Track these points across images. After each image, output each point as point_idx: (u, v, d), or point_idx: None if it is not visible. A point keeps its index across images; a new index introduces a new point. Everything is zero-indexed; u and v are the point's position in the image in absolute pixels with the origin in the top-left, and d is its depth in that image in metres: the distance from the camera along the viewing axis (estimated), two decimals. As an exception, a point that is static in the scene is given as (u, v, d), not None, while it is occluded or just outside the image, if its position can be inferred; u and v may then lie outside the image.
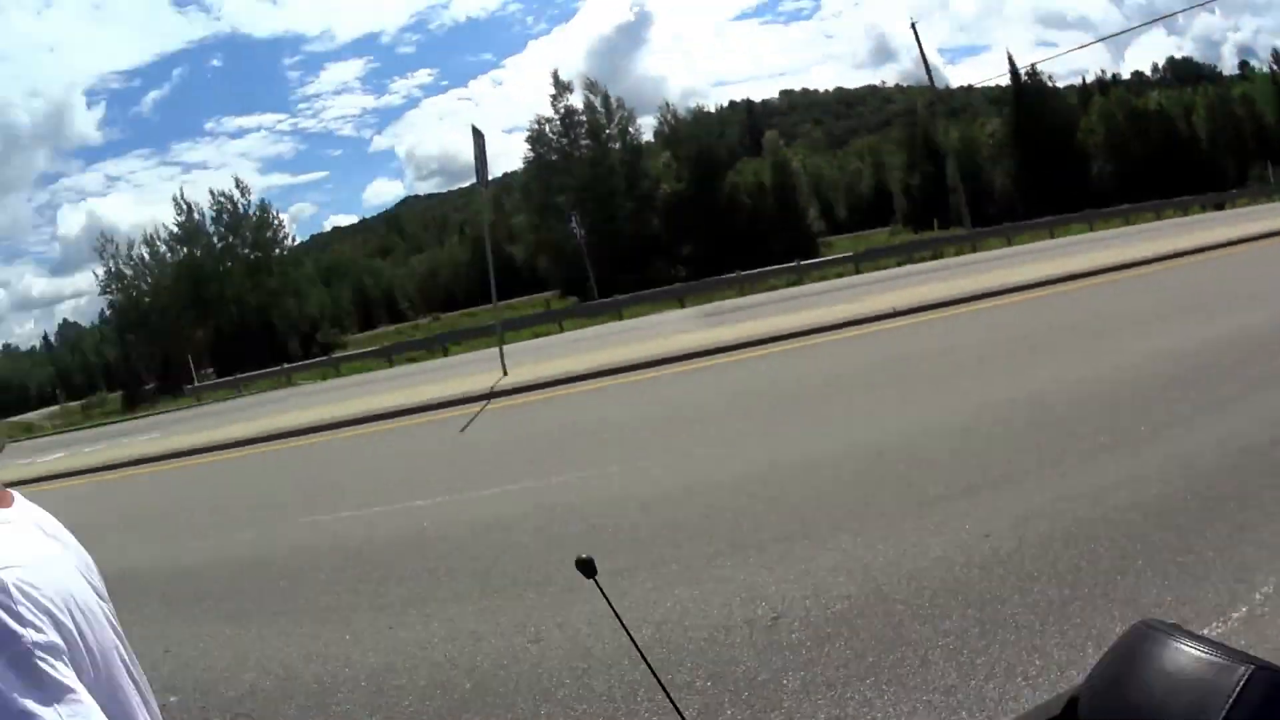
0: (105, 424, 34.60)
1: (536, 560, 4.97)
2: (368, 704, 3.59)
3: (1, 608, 0.91)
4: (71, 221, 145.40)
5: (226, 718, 3.80)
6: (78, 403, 68.31)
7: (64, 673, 0.92)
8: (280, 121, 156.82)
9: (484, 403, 12.40)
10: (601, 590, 1.19)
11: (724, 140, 60.90)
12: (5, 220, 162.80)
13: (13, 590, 0.93)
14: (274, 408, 18.56)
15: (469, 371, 16.55)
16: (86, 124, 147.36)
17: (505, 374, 14.28)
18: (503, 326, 20.56)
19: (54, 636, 0.94)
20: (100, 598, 1.12)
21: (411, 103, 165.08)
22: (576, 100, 50.47)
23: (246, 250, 51.73)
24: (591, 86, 51.18)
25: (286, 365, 36.03)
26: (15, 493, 1.18)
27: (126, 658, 1.11)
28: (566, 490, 6.60)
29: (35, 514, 1.15)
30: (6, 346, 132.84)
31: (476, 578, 4.92)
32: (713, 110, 66.47)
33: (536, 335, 27.38)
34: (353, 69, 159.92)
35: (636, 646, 1.17)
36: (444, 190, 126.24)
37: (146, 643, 4.65)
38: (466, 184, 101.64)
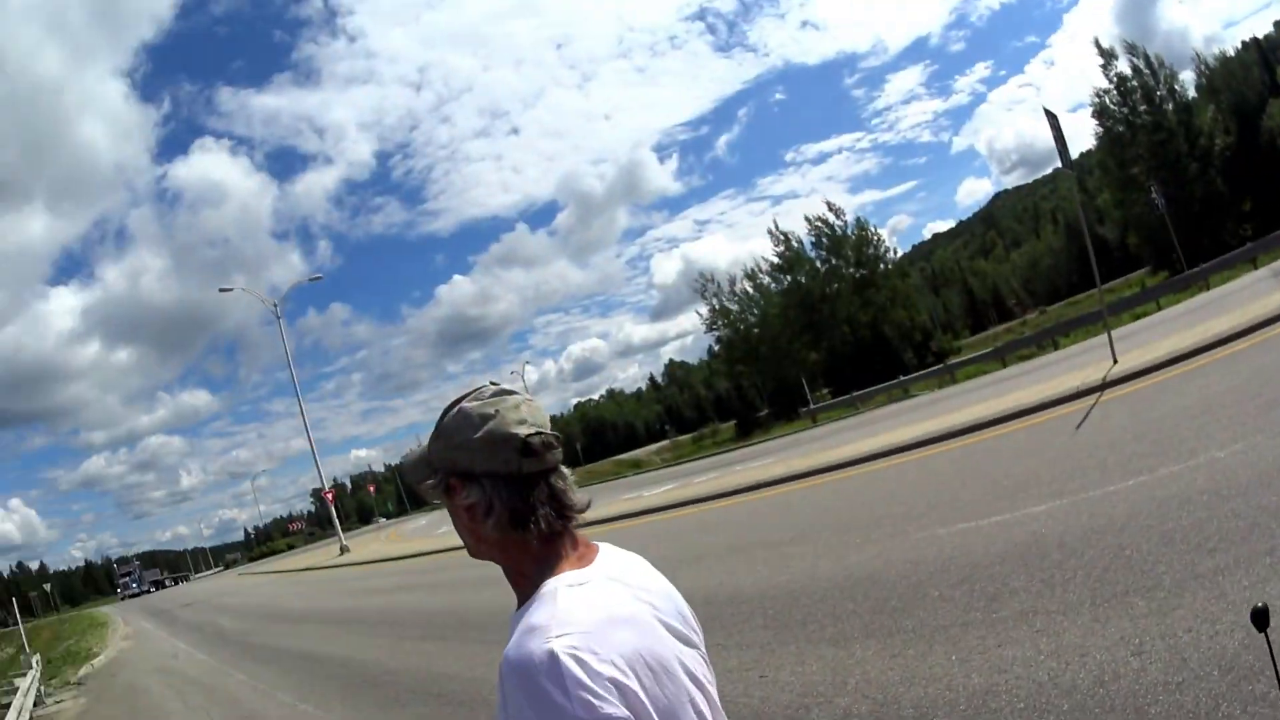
0: (716, 453, 37.17)
1: (1145, 563, 4.51)
2: None
3: (550, 680, 0.97)
4: (666, 268, 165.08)
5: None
6: (687, 436, 77.93)
7: None
8: (858, 140, 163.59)
9: (1097, 395, 11.55)
10: (1270, 650, 1.12)
11: (1250, 83, 51.25)
12: (597, 278, 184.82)
13: (564, 661, 0.98)
14: (888, 423, 18.81)
15: (1080, 364, 15.40)
16: (662, 177, 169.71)
17: (1115, 362, 13.24)
18: (1084, 320, 18.80)
19: (610, 708, 0.97)
20: (686, 644, 1.16)
21: (978, 98, 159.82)
22: (1124, 66, 45.39)
23: (851, 269, 52.64)
24: (1132, 49, 45.48)
25: (902, 378, 36.66)
26: (603, 545, 1.27)
27: (705, 708, 1.12)
28: (1176, 482, 5.89)
29: (618, 566, 1.21)
30: (612, 391, 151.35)
31: (1087, 587, 4.62)
32: (1231, 54, 54.98)
33: (1136, 318, 25.28)
34: (913, 76, 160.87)
35: None
36: (1029, 180, 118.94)
37: (742, 669, 5.19)
38: (1048, 170, 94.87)
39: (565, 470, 1.22)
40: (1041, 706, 3.49)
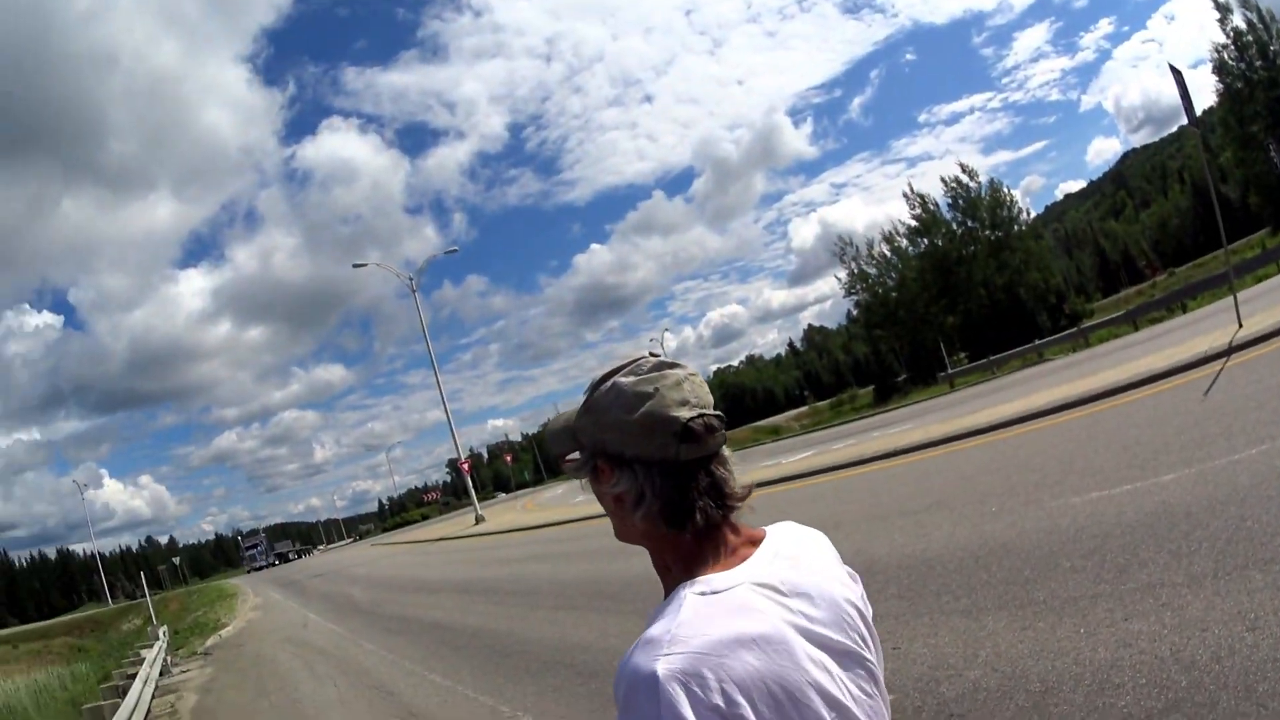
0: (855, 419, 37.13)
1: (1264, 535, 4.71)
2: (1085, 704, 3.75)
3: (648, 700, 0.92)
4: (804, 233, 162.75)
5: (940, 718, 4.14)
6: (825, 402, 76.71)
7: None
8: (989, 100, 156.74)
9: (1224, 360, 11.42)
10: None
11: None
12: (735, 244, 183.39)
13: (664, 686, 0.91)
14: (1024, 388, 18.60)
15: (1207, 328, 15.11)
16: (798, 141, 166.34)
17: (1240, 326, 13.12)
18: (1212, 281, 18.10)
19: None
20: (842, 658, 1.05)
21: (1103, 55, 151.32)
22: (1239, 20, 43.25)
23: (986, 231, 52.02)
24: (1245, 2, 43.06)
25: (1036, 341, 36.33)
26: (779, 527, 1.19)
27: None
28: None
29: (782, 561, 1.09)
30: (750, 358, 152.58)
31: (1211, 559, 4.81)
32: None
33: (1259, 280, 25.08)
34: (1039, 34, 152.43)
35: None
36: (1156, 138, 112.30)
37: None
38: (1174, 128, 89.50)
39: (727, 453, 1.12)
40: (1162, 682, 3.71)
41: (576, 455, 1.15)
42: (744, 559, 1.08)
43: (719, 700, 0.92)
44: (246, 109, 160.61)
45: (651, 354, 1.14)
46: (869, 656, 1.09)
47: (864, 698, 1.04)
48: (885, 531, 8.54)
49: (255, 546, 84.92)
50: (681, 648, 0.94)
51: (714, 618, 0.97)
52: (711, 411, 1.09)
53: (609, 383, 1.11)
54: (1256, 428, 7.13)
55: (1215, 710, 3.36)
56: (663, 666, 0.93)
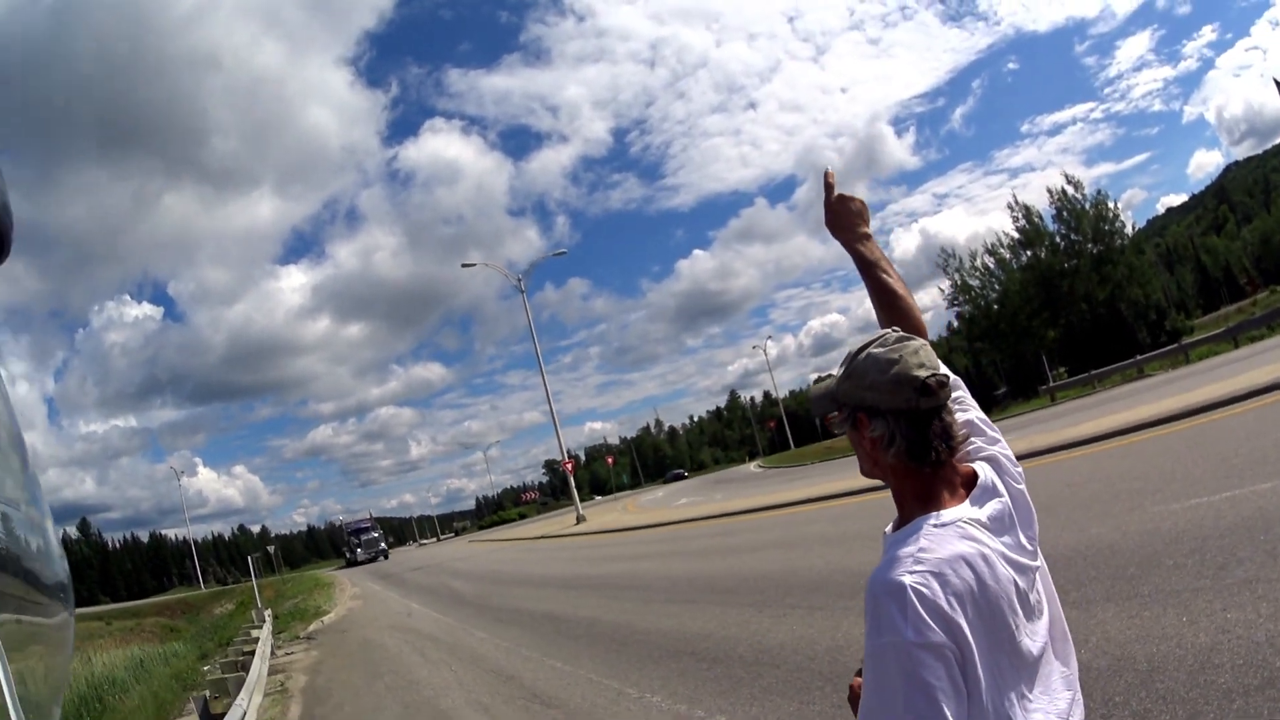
0: None
1: None
2: (1189, 681, 4.16)
3: (896, 605, 1.24)
4: (906, 243, 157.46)
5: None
6: None
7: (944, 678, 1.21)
8: (1092, 110, 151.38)
9: None
10: None
11: None
12: (837, 253, 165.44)
13: (909, 593, 1.24)
14: (1124, 402, 18.63)
15: None
16: (900, 150, 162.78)
17: None
18: None
19: (936, 636, 1.22)
20: (1025, 570, 1.39)
21: (1206, 64, 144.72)
22: None
23: (1089, 245, 50.91)
24: None
25: (1137, 357, 35.63)
26: (981, 474, 1.46)
27: (1026, 635, 1.35)
28: None
29: (988, 505, 1.40)
30: None
31: (1303, 557, 5.17)
32: None
33: None
34: (1142, 42, 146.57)
35: None
36: (1259, 151, 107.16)
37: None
38: (1278, 140, 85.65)
39: (952, 404, 1.45)
40: (1257, 663, 4.11)
41: (836, 414, 1.51)
42: (963, 499, 1.41)
43: (945, 607, 1.23)
44: (349, 109, 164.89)
45: (893, 329, 1.50)
46: (1040, 564, 1.47)
47: (1038, 596, 1.42)
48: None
49: (363, 532, 68.22)
50: (921, 566, 1.26)
51: (943, 543, 1.30)
52: (941, 371, 1.42)
53: (864, 353, 1.44)
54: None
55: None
56: (908, 579, 1.25)
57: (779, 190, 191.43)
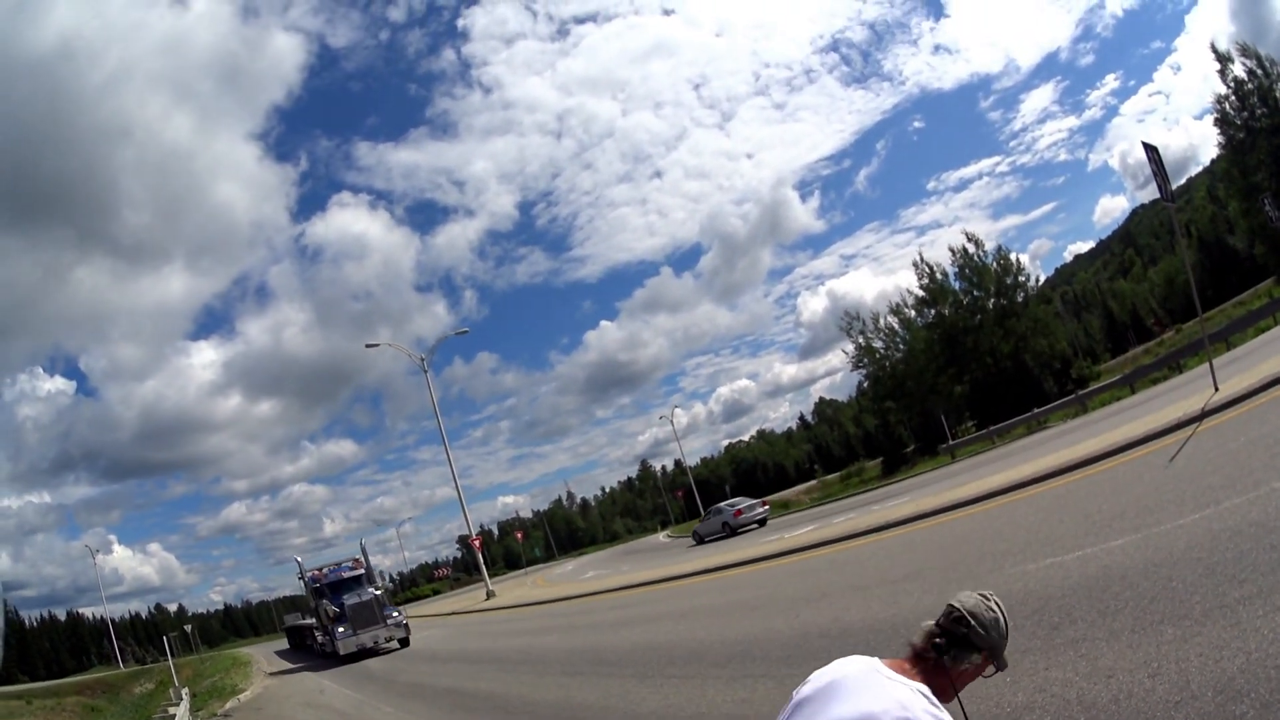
0: (860, 493, 37.62)
1: (1184, 594, 5.00)
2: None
3: None
4: (814, 306, 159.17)
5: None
6: (835, 475, 76.00)
7: None
8: (998, 164, 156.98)
9: (1195, 425, 11.81)
10: None
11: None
12: (745, 319, 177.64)
13: None
14: (1018, 458, 18.86)
15: (1191, 391, 15.67)
16: (805, 215, 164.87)
17: (1216, 390, 13.66)
18: (1211, 338, 18.60)
19: None
20: None
21: (1110, 111, 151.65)
22: (1239, 70, 43.10)
23: (993, 300, 51.79)
24: (1245, 50, 43.04)
25: (1036, 410, 36.46)
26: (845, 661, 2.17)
27: None
28: (1234, 515, 6.26)
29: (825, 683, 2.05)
30: (761, 432, 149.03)
31: (1132, 616, 5.03)
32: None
33: (1260, 332, 25.02)
34: (1046, 94, 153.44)
35: None
36: None
37: None
38: (1182, 180, 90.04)
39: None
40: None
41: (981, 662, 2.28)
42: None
43: None
44: (259, 184, 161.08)
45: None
46: None
47: None
48: (863, 600, 8.99)
49: (347, 590, 24.16)
50: None
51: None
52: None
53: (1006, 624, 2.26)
54: (1206, 493, 7.30)
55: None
56: None
57: (685, 258, 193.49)
